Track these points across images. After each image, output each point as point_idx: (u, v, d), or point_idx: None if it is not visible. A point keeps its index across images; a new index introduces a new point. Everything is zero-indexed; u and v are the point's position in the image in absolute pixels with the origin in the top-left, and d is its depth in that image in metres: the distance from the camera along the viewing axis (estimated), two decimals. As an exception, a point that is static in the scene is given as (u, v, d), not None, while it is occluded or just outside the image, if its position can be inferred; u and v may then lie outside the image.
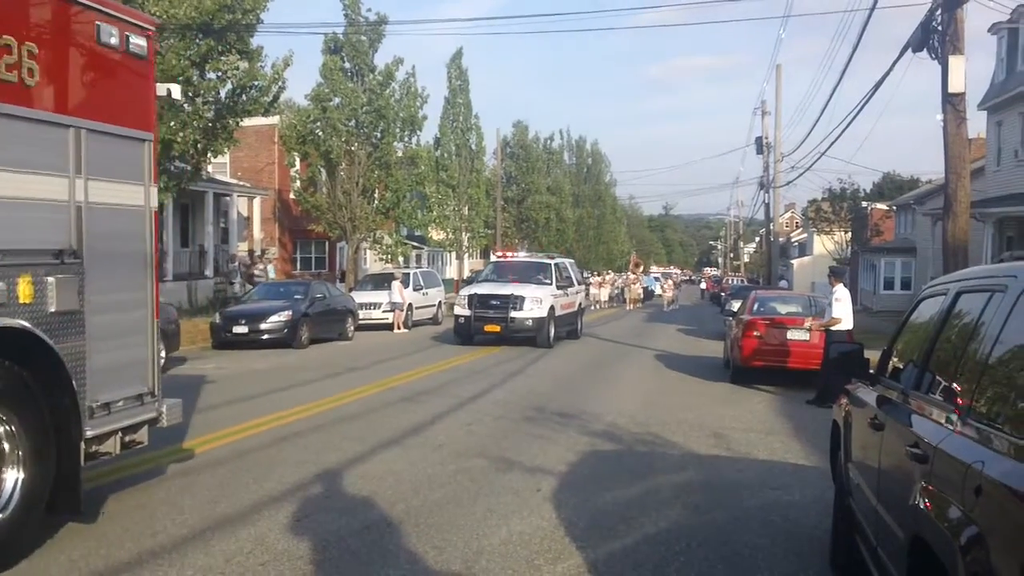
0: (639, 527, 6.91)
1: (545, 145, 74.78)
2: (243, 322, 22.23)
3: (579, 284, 28.18)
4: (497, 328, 22.74)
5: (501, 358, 20.01)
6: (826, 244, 52.46)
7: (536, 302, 22.84)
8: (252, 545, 6.26)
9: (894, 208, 52.85)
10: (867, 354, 5.95)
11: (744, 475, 8.89)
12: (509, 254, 30.52)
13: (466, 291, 24.33)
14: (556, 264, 25.74)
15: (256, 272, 34.04)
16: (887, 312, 40.53)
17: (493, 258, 32.77)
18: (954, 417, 3.58)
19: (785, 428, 11.92)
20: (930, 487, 3.48)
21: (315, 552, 6.13)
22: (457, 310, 23.92)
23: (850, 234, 51.88)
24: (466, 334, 23.41)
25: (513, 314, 22.62)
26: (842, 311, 14.55)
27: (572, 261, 30.60)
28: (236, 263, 35.01)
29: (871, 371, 5.69)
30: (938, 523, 3.27)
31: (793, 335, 15.92)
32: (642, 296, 56.81)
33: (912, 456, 3.76)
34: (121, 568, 5.82)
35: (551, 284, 24.19)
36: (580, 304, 27.43)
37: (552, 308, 23.32)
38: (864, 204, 52.71)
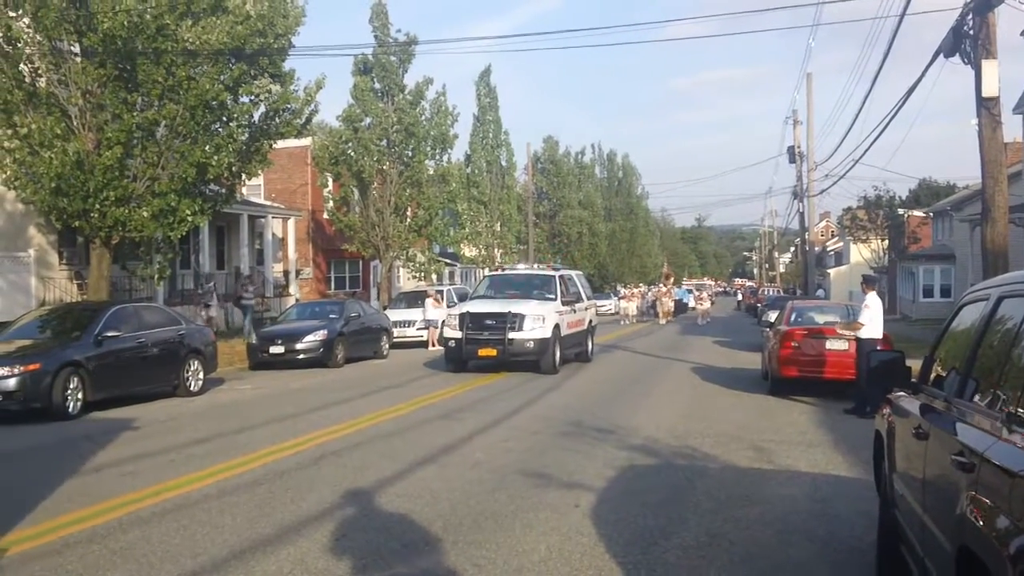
0: (679, 542, 6.84)
1: (576, 160, 74.89)
2: (279, 342, 22.39)
3: (588, 299, 24.71)
4: (493, 352, 19.88)
5: (535, 374, 19.92)
6: (863, 252, 52.03)
7: (538, 320, 19.84)
8: (292, 565, 6.26)
9: (931, 215, 52.32)
10: (908, 362, 5.88)
11: (786, 488, 8.78)
12: (506, 266, 27.03)
13: (457, 309, 21.41)
14: (561, 276, 22.62)
15: (244, 296, 31.63)
16: (926, 320, 40.05)
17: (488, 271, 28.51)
18: (1000, 424, 3.51)
19: (827, 439, 11.77)
20: (977, 496, 3.42)
21: (355, 571, 6.12)
22: (447, 332, 20.72)
23: (887, 242, 51.40)
24: (457, 359, 20.58)
25: (512, 335, 19.64)
26: (869, 318, 14.41)
27: (580, 273, 27.57)
28: (211, 284, 31.35)
29: (913, 380, 5.61)
30: (986, 533, 3.20)
31: (832, 345, 15.75)
32: (673, 309, 54.61)
33: (957, 465, 3.69)
34: (163, 589, 5.85)
35: (555, 299, 21.15)
36: (590, 322, 24.14)
37: (557, 327, 20.34)
38: (900, 211, 52.21)
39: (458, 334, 20.11)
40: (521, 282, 22.52)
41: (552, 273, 22.77)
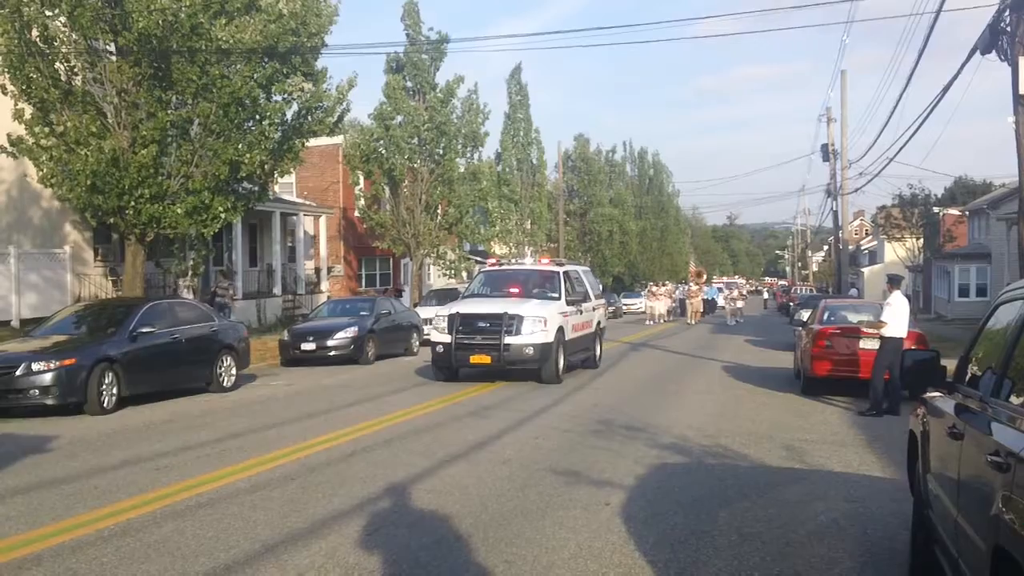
0: (710, 541, 6.82)
1: (607, 158, 74.79)
2: (311, 339, 22.55)
3: (597, 298, 22.34)
4: (487, 359, 17.37)
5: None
6: (898, 251, 51.47)
7: (539, 323, 17.31)
8: (324, 559, 6.31)
9: (967, 213, 51.70)
10: (943, 362, 5.82)
11: (818, 488, 8.73)
12: (503, 261, 24.07)
13: (445, 310, 18.64)
14: (566, 272, 19.89)
15: (219, 292, 30.57)
16: (962, 320, 39.62)
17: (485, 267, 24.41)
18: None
19: (860, 439, 11.69)
20: (1012, 496, 3.38)
21: (386, 566, 6.16)
22: (434, 336, 18.21)
23: (922, 241, 50.84)
24: (447, 367, 18.00)
25: (508, 340, 17.13)
26: (891, 316, 14.26)
27: (587, 268, 24.89)
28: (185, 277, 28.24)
29: (949, 379, 5.56)
30: (1021, 533, 3.17)
31: (865, 344, 15.61)
32: (702, 309, 51.56)
33: (993, 465, 3.65)
34: (196, 582, 5.91)
35: (559, 299, 18.63)
36: (599, 323, 21.68)
37: (561, 330, 17.93)
38: (936, 210, 51.64)
39: (446, 338, 17.62)
40: (521, 279, 19.90)
41: (555, 268, 20.04)
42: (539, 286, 19.23)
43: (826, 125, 45.31)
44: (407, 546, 6.62)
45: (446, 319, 17.83)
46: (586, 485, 8.68)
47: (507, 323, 17.29)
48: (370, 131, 36.89)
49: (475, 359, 17.53)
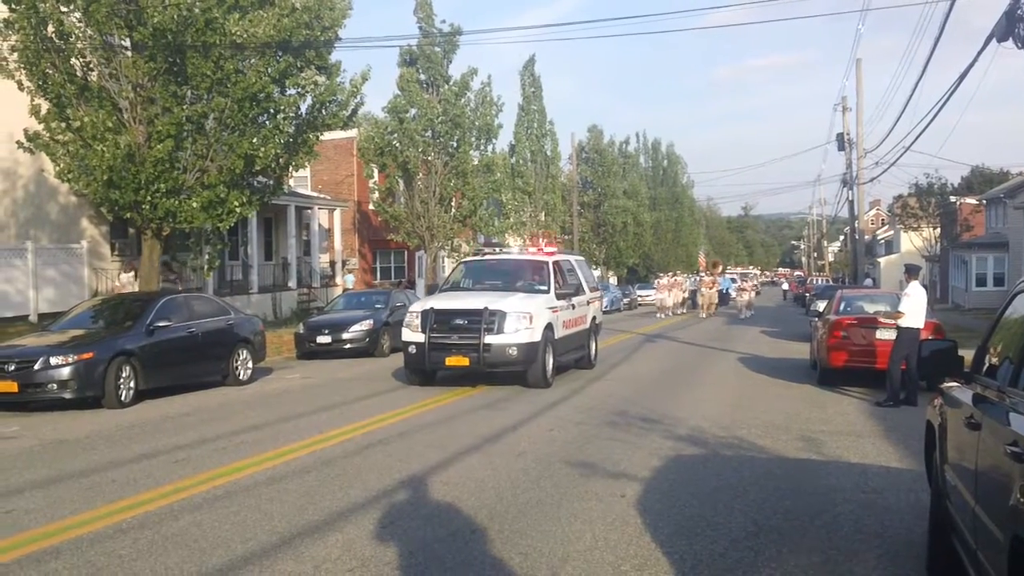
0: (727, 532, 6.80)
1: (620, 149, 74.62)
2: (326, 332, 22.59)
3: (592, 291, 20.00)
4: (464, 360, 15.34)
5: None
6: (914, 241, 51.14)
7: (523, 320, 15.37)
8: (340, 551, 6.33)
9: (984, 202, 51.37)
10: (960, 352, 5.79)
11: (835, 479, 8.69)
12: (486, 250, 22.36)
13: (418, 306, 16.62)
14: (556, 262, 17.85)
15: (164, 284, 28.91)
16: (979, 309, 39.41)
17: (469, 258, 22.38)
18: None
19: (877, 430, 11.64)
20: (1031, 487, 3.36)
21: (402, 558, 6.17)
22: (406, 335, 16.04)
23: (939, 230, 50.54)
24: (420, 369, 16.02)
25: (489, 339, 15.16)
26: (909, 306, 14.17)
27: (582, 258, 22.38)
28: (132, 273, 25.24)
29: (966, 369, 5.52)
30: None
31: (882, 334, 15.54)
32: (716, 301, 47.58)
33: (1011, 455, 3.63)
34: (214, 574, 5.94)
35: (548, 292, 16.72)
36: (594, 319, 19.42)
37: (549, 327, 16.08)
38: (952, 199, 51.30)
39: (420, 337, 15.63)
40: (505, 270, 18.18)
41: (544, 258, 17.94)
42: (525, 278, 17.39)
43: (841, 114, 45.08)
44: (423, 538, 6.63)
45: (419, 316, 15.88)
46: (601, 477, 8.68)
47: (487, 320, 15.34)
48: (384, 124, 36.93)
49: (451, 361, 15.50)
